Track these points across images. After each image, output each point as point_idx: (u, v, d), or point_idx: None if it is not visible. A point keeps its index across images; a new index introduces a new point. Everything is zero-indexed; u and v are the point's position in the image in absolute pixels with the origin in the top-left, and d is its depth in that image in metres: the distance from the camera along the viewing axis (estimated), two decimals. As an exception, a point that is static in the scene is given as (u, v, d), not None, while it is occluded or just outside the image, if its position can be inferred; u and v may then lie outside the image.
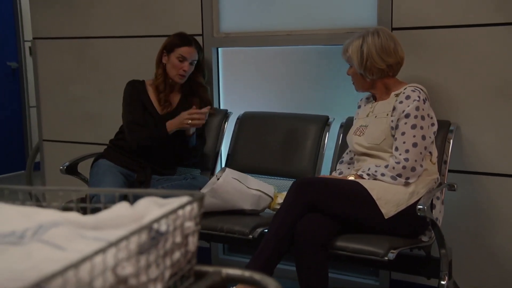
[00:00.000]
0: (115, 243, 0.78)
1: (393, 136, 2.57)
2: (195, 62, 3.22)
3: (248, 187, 2.83)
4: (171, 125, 3.10)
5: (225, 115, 3.41)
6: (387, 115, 2.60)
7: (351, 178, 2.59)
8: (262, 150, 3.23)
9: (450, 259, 2.59)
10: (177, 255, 0.94)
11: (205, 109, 3.08)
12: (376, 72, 2.65)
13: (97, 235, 0.89)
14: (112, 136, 3.36)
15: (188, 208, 0.96)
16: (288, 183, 3.13)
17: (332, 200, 2.46)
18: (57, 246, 0.83)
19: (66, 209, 1.10)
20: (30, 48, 6.41)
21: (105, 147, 3.34)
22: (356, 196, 2.47)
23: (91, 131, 3.92)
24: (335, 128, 3.12)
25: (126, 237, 0.80)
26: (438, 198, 2.60)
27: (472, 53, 2.81)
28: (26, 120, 6.50)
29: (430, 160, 2.60)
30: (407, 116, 2.52)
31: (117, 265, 0.79)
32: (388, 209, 2.45)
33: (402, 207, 2.47)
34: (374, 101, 2.77)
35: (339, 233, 2.47)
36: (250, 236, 2.65)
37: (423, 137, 2.52)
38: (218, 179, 2.88)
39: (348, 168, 2.83)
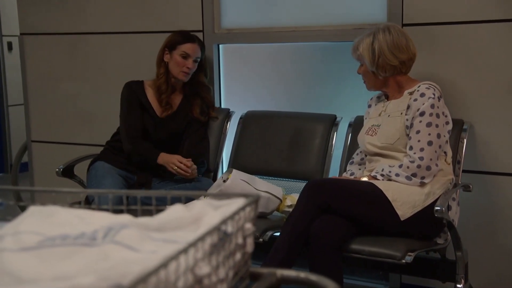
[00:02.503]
0: (194, 244, 0.85)
1: (408, 135, 2.65)
2: (199, 60, 3.29)
3: (256, 189, 2.90)
4: (162, 158, 3.18)
5: (227, 114, 3.48)
6: (401, 113, 2.69)
7: (365, 179, 2.67)
8: (267, 150, 3.30)
9: (466, 262, 2.68)
10: (238, 256, 1.01)
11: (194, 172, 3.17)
12: (389, 69, 2.73)
13: (164, 237, 0.96)
14: (107, 136, 3.42)
15: (247, 210, 1.03)
16: (295, 184, 3.21)
17: (347, 201, 2.54)
18: (131, 248, 0.90)
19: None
20: (8, 43, 6.43)
21: (101, 148, 3.40)
22: (371, 197, 2.55)
23: (84, 131, 3.97)
24: (343, 127, 3.20)
25: (202, 238, 0.87)
26: (454, 199, 2.69)
27: (486, 49, 2.91)
28: (5, 120, 6.50)
29: (445, 160, 2.68)
30: (422, 114, 2.61)
31: (195, 265, 0.86)
32: (404, 211, 2.54)
33: (418, 208, 2.55)
34: (386, 100, 2.86)
35: (353, 235, 2.55)
36: (261, 240, 2.72)
37: (438, 136, 2.60)
38: (224, 181, 2.95)
39: (359, 169, 2.91)
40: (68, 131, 4.04)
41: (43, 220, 1.03)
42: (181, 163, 3.14)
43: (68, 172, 3.40)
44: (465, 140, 2.87)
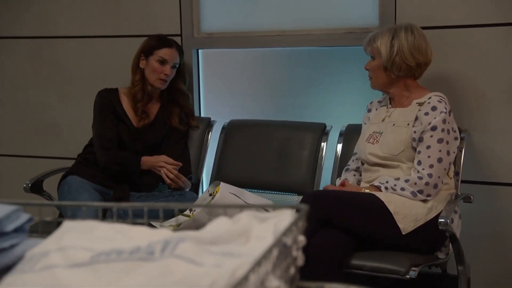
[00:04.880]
0: (266, 256, 0.88)
1: (414, 148, 2.72)
2: (177, 66, 3.31)
3: (246, 203, 2.94)
4: (146, 163, 3.21)
5: (208, 124, 3.51)
6: (408, 124, 2.75)
7: (367, 191, 2.73)
8: (253, 162, 3.34)
9: (469, 277, 2.77)
10: (292, 269, 1.05)
11: (184, 183, 3.23)
12: (404, 69, 2.80)
13: (221, 250, 0.99)
14: (78, 149, 3.41)
15: (300, 221, 1.07)
16: (284, 197, 3.26)
17: (348, 214, 2.58)
18: (193, 261, 0.93)
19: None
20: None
21: (71, 162, 3.40)
22: (372, 209, 2.61)
23: (51, 144, 3.94)
24: (333, 137, 3.25)
25: (270, 250, 0.91)
26: (455, 211, 2.77)
27: (483, 54, 3.01)
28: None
29: (447, 174, 2.76)
30: (433, 128, 2.67)
31: (266, 279, 0.90)
32: (405, 225, 2.60)
33: (421, 222, 2.62)
34: (390, 106, 2.92)
35: (353, 250, 2.61)
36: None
37: (448, 153, 2.69)
38: (210, 194, 2.97)
39: (354, 176, 2.96)
40: (32, 143, 4.00)
41: (85, 235, 1.05)
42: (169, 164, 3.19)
43: (36, 187, 3.37)
44: (463, 150, 2.94)
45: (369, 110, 3.03)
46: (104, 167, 3.21)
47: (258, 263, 0.87)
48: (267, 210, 2.92)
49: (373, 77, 2.90)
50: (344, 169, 3.03)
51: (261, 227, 1.08)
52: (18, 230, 1.12)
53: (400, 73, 2.81)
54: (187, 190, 3.27)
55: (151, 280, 0.90)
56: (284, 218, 1.08)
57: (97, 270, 0.94)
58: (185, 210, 2.92)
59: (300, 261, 1.10)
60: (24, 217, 1.14)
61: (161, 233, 1.06)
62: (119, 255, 0.96)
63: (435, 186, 2.65)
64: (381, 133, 2.82)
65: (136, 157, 3.21)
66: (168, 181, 3.16)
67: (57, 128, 3.92)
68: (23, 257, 1.04)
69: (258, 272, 0.87)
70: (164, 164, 3.17)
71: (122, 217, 1.29)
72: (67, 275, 0.94)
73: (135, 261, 0.94)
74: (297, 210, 1.11)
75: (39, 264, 0.98)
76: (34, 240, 1.12)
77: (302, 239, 1.08)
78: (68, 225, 1.11)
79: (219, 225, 1.08)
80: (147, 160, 3.20)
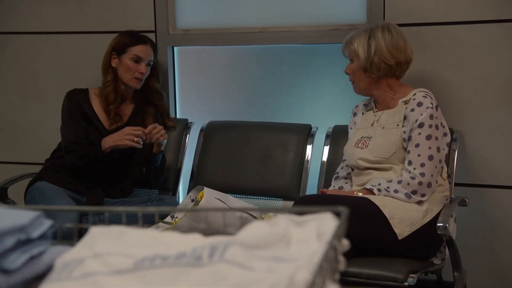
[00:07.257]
0: (326, 261, 0.90)
1: (405, 149, 2.76)
2: (152, 63, 3.30)
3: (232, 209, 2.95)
4: (108, 141, 3.14)
5: (186, 125, 3.51)
6: (398, 125, 2.79)
7: (360, 194, 2.76)
8: (234, 166, 3.35)
9: (465, 283, 2.82)
10: (337, 275, 1.07)
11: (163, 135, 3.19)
12: (383, 68, 2.84)
13: (270, 255, 1.00)
14: (44, 153, 3.38)
15: (343, 225, 1.09)
16: (268, 203, 3.28)
17: (342, 219, 2.61)
18: (245, 267, 0.94)
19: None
20: None
21: (36, 167, 3.37)
22: (366, 214, 2.63)
23: (14, 148, 3.89)
24: (319, 139, 3.28)
25: (326, 255, 0.93)
26: (451, 215, 2.82)
27: (476, 52, 3.07)
28: None
29: (441, 175, 2.81)
30: (421, 125, 2.72)
31: (324, 283, 0.92)
32: (401, 229, 2.64)
33: (417, 226, 2.66)
34: (376, 109, 2.96)
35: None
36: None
37: (438, 149, 2.73)
38: (192, 200, 2.98)
39: (346, 183, 2.99)
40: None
41: (118, 241, 1.05)
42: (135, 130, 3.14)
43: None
44: (456, 152, 3.00)
45: (355, 114, 3.07)
46: (71, 167, 3.18)
47: (320, 267, 0.88)
48: (254, 216, 2.95)
49: (355, 81, 2.94)
50: (334, 177, 3.05)
51: (301, 231, 1.10)
52: (42, 237, 1.12)
53: (380, 73, 2.85)
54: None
55: (205, 286, 0.91)
56: (326, 221, 1.09)
57: (143, 276, 0.95)
58: (166, 216, 2.92)
59: (342, 265, 1.12)
60: (47, 223, 1.13)
61: (198, 238, 1.07)
62: (165, 260, 0.97)
63: (429, 185, 2.70)
64: (370, 137, 2.86)
65: (95, 144, 3.17)
66: (138, 145, 3.10)
67: (20, 130, 3.86)
68: (54, 265, 1.04)
69: (322, 276, 0.89)
70: (128, 130, 3.11)
71: (97, 223, 1.30)
72: (111, 282, 0.95)
73: (182, 267, 0.95)
74: (337, 214, 1.13)
75: (76, 271, 0.99)
76: (60, 248, 1.12)
77: (346, 243, 1.10)
78: (95, 231, 1.11)
79: (257, 229, 1.09)
80: (108, 138, 3.14)
